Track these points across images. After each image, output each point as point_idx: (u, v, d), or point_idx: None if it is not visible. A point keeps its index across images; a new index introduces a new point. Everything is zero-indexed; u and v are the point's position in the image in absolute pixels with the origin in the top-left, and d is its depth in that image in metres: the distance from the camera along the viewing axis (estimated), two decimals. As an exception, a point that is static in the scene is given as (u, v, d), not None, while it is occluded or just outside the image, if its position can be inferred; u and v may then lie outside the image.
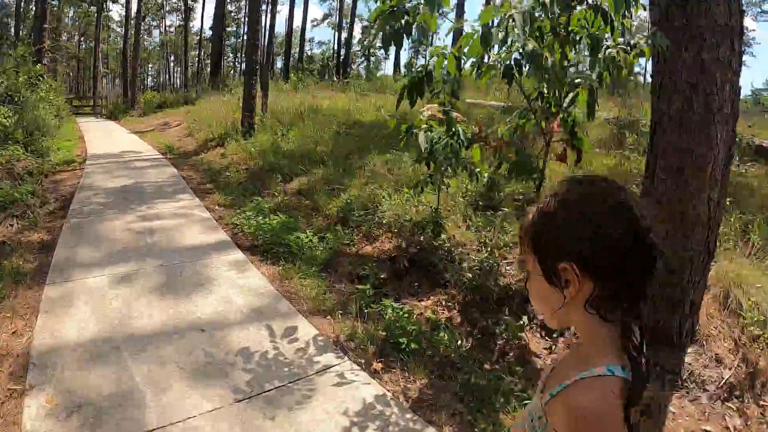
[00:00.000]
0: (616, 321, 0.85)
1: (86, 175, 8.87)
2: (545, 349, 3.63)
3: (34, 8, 26.58)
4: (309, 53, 60.57)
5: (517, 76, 3.29)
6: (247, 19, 16.13)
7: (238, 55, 60.02)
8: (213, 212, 6.63)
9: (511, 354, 3.50)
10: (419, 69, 3.44)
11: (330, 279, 4.66)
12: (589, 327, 0.87)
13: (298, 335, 3.57)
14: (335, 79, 28.29)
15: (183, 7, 43.77)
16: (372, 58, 60.74)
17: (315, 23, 73.87)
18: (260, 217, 6.12)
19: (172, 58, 60.57)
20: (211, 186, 8.36)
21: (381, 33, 3.04)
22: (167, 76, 61.48)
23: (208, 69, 50.72)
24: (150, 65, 62.20)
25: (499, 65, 3.44)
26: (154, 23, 52.89)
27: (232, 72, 45.48)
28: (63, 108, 18.65)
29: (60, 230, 5.58)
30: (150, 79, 64.56)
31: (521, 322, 3.67)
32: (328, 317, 3.94)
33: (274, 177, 8.56)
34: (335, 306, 4.10)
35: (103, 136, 15.37)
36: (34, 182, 8.08)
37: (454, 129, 3.64)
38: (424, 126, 3.44)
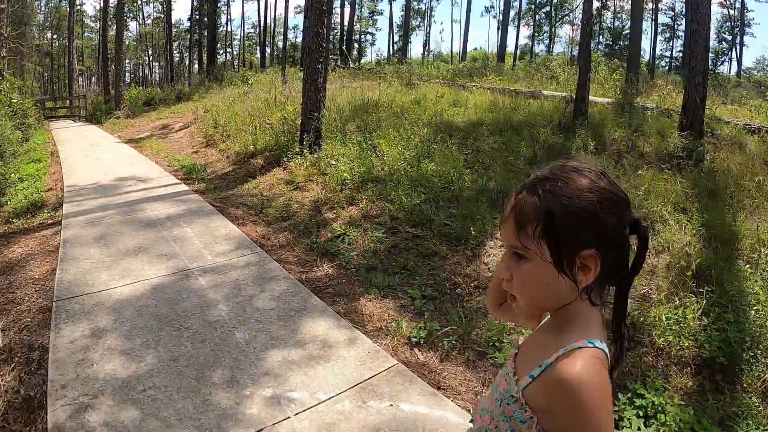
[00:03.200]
0: (600, 305, 0.87)
1: (66, 246, 4.44)
2: None
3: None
4: (293, 41, 55.54)
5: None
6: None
7: (219, 46, 54.51)
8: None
9: None
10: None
11: None
12: (575, 311, 0.86)
13: None
14: (352, 65, 23.85)
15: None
16: (356, 45, 55.99)
17: (298, 10, 68.45)
18: None
19: (150, 51, 55.08)
20: (331, 270, 4.00)
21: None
22: (147, 71, 56.02)
23: (194, 60, 45.55)
24: (126, 60, 56.57)
25: None
26: (131, 14, 47.42)
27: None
28: (31, 113, 13.96)
29: None
30: (127, 75, 58.85)
31: None
32: None
33: (449, 243, 4.35)
34: None
35: (86, 150, 10.76)
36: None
37: None
38: None
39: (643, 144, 7.55)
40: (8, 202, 6.52)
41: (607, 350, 0.82)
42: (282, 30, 44.04)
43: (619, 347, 0.86)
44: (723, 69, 46.64)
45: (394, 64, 30.25)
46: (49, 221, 5.55)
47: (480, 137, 8.18)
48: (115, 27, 23.81)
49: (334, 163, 7.01)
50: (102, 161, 9.34)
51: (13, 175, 7.68)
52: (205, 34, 38.19)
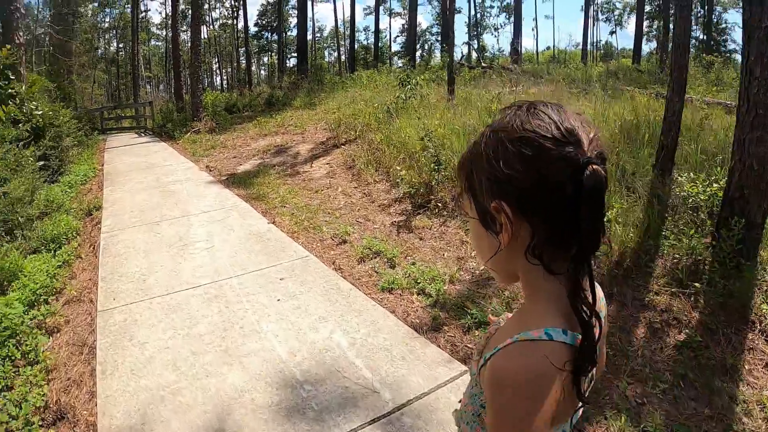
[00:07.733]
0: (564, 274, 0.62)
1: None
2: None
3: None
4: (364, 43, 49.68)
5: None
6: None
7: (288, 50, 49.19)
8: None
9: None
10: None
11: None
12: (532, 281, 0.66)
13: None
14: (484, 64, 17.77)
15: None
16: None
17: (367, 11, 62.68)
18: None
19: (217, 58, 50.74)
20: None
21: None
22: (215, 77, 51.71)
23: (261, 66, 40.57)
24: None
25: None
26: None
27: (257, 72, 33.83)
28: (68, 131, 8.57)
29: None
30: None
31: None
32: None
33: None
34: None
35: (156, 212, 4.97)
36: None
37: None
38: None
39: None
40: None
41: (571, 340, 0.60)
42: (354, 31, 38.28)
43: (582, 340, 0.60)
44: None
45: (508, 62, 24.01)
46: None
47: None
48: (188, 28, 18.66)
49: None
50: (196, 265, 3.56)
51: None
52: (279, 37, 33.20)
